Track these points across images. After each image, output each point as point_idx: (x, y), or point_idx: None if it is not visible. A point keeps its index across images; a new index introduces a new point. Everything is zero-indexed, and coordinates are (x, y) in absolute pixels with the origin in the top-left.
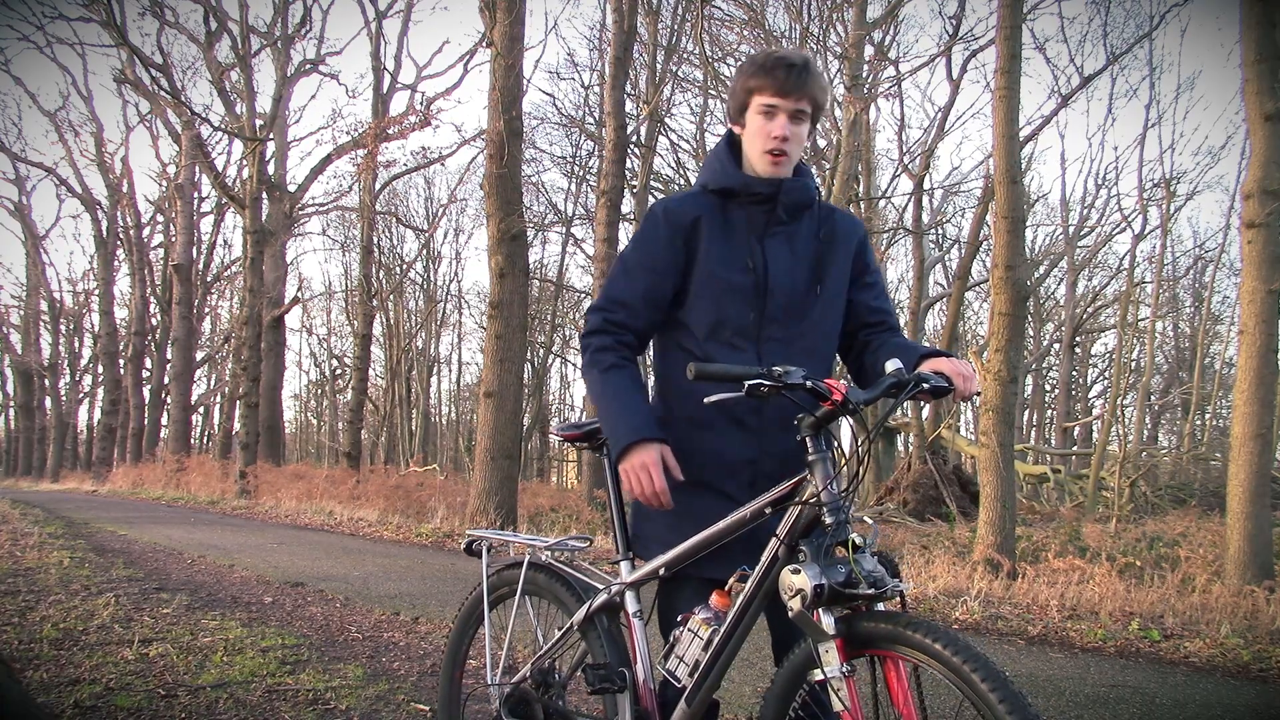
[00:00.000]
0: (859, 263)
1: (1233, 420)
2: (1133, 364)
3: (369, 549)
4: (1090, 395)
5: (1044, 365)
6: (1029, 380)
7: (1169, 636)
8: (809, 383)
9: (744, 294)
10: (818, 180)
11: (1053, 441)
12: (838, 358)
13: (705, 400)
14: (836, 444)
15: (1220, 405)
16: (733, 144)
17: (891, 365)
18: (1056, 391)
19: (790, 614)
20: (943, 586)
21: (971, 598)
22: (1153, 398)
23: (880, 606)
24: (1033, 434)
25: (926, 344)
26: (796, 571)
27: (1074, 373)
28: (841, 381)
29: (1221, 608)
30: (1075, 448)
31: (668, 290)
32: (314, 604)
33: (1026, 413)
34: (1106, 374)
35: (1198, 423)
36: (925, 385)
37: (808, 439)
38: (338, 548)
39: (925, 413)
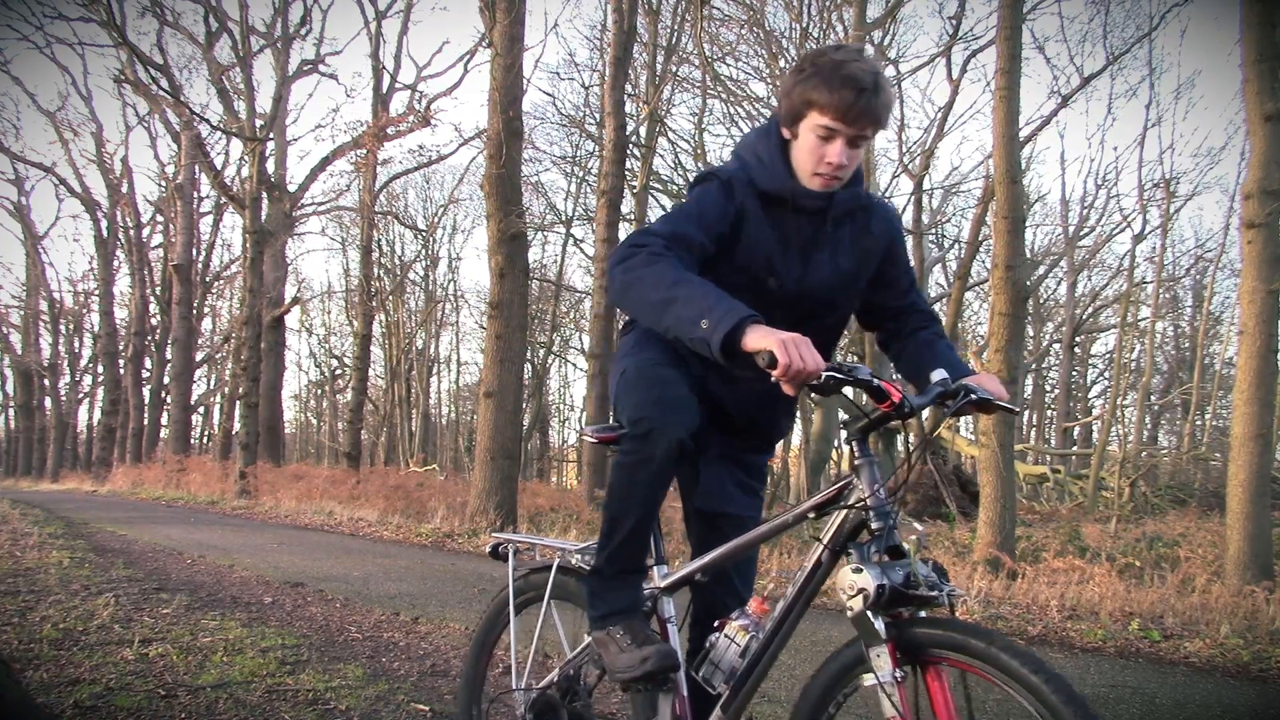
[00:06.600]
0: (891, 263)
1: (1233, 420)
2: (1133, 364)
3: (369, 549)
4: (1090, 395)
5: (1044, 365)
6: (1029, 380)
7: (1169, 636)
8: (875, 380)
9: (768, 296)
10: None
11: (1053, 441)
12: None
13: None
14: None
15: (1220, 405)
16: (783, 143)
17: (937, 375)
18: (1056, 391)
19: (849, 614)
20: None
21: (971, 598)
22: (1153, 398)
23: (924, 613)
24: (1033, 434)
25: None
26: (859, 570)
27: (1074, 373)
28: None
29: (1221, 608)
30: (1075, 448)
31: (709, 249)
32: (314, 604)
33: (1026, 413)
34: (1106, 374)
35: (1198, 423)
36: (974, 396)
37: (854, 443)
38: (338, 548)
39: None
